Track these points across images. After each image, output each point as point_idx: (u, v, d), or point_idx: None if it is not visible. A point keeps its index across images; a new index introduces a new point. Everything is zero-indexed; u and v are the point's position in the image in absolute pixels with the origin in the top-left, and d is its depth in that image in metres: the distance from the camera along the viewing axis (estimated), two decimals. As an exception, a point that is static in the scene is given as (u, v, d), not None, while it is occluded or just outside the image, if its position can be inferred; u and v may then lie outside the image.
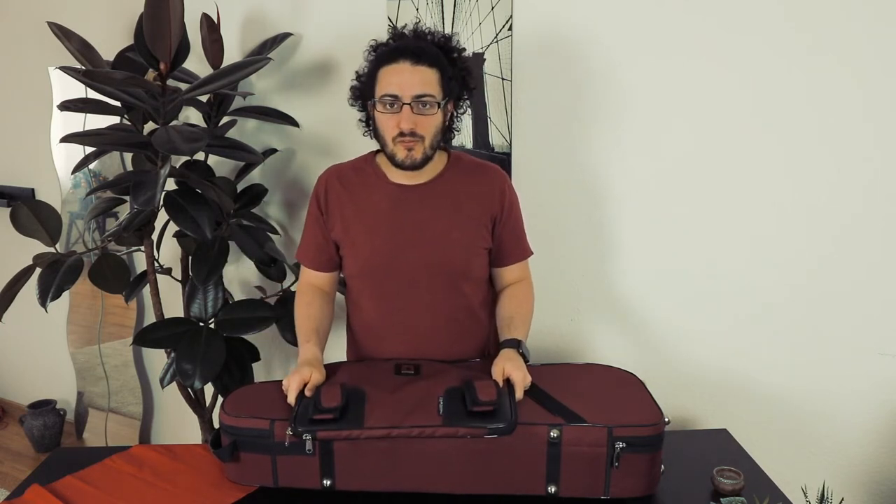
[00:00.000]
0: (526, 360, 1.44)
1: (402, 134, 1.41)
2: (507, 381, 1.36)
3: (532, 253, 1.65)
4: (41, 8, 2.79)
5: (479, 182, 1.55)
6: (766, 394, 1.81)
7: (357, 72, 1.54)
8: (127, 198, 2.10)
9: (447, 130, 1.51)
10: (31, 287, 1.95)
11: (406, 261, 1.50)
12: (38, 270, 1.98)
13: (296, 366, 1.42)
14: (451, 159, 1.56)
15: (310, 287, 1.62)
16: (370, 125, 1.54)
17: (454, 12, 1.99)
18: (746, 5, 1.66)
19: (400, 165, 1.45)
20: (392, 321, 1.54)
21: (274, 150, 2.32)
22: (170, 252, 2.42)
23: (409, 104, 1.39)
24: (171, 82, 1.86)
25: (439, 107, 1.43)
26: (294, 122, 2.24)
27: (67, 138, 1.80)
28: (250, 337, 2.19)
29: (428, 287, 1.51)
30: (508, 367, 1.37)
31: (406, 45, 1.44)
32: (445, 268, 1.51)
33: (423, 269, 1.50)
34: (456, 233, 1.51)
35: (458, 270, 1.53)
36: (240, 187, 2.26)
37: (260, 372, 2.53)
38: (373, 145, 1.61)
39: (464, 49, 1.56)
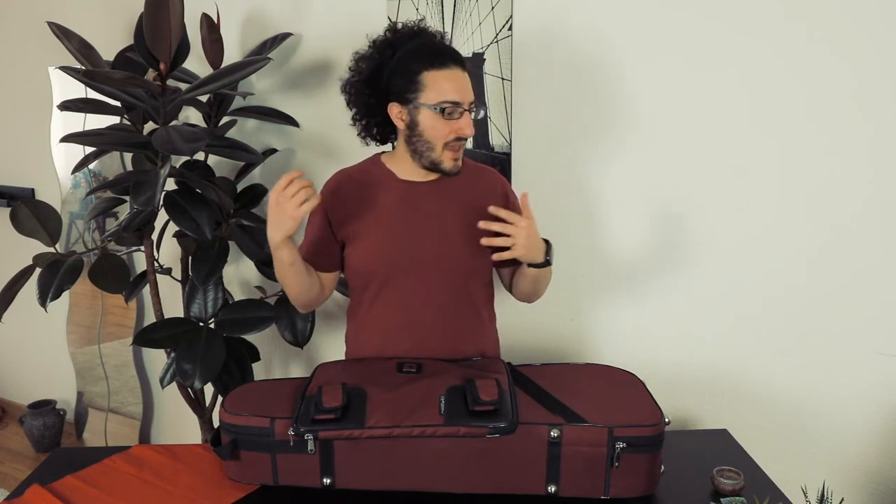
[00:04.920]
0: (548, 259, 1.48)
1: (457, 139, 1.44)
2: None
3: None
4: (41, 8, 2.79)
5: (483, 182, 1.59)
6: (766, 394, 1.82)
7: (361, 70, 1.48)
8: (127, 198, 2.10)
9: None
10: (31, 287, 1.95)
11: (417, 254, 1.51)
12: (37, 270, 1.98)
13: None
14: None
15: None
16: (388, 127, 1.53)
17: (454, 12, 1.99)
18: (746, 6, 1.66)
19: (447, 173, 1.48)
20: (399, 317, 1.54)
21: (274, 150, 2.32)
22: (170, 252, 2.42)
23: (468, 110, 1.43)
24: (171, 82, 1.86)
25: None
26: (294, 122, 2.24)
27: (67, 138, 1.80)
28: (250, 337, 2.19)
29: (436, 281, 1.52)
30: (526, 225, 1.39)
31: (449, 50, 1.45)
32: (455, 263, 1.53)
33: (433, 264, 1.51)
34: (466, 229, 1.52)
35: (466, 266, 1.54)
36: (240, 187, 2.26)
37: (260, 372, 2.54)
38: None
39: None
